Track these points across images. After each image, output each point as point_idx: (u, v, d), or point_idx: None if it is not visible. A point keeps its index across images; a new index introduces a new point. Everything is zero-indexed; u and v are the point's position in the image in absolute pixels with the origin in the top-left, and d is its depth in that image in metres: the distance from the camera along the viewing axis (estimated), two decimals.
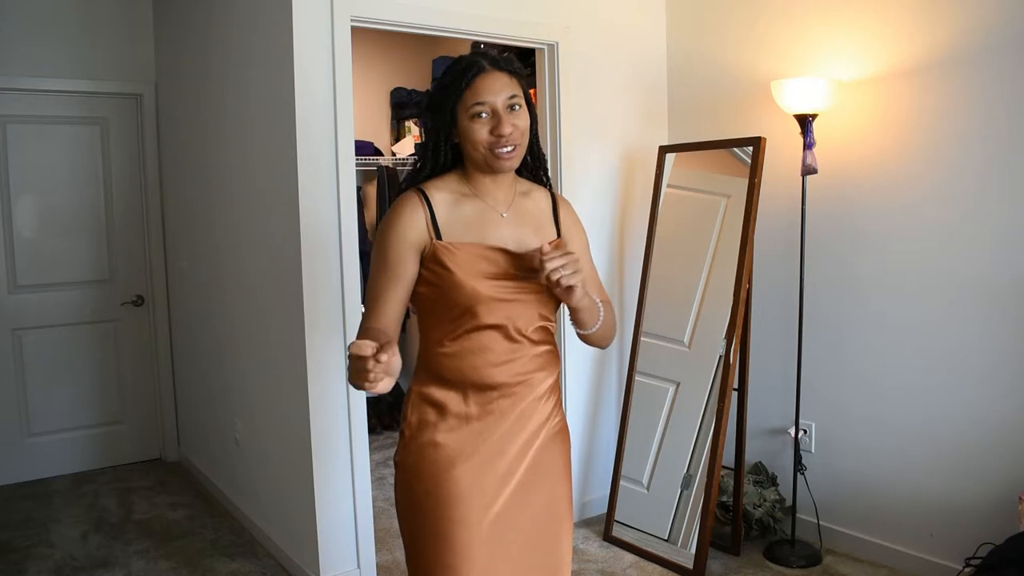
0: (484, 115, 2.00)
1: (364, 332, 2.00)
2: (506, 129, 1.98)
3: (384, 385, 1.72)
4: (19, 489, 5.37)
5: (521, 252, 2.07)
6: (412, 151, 6.36)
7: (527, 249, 2.08)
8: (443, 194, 2.09)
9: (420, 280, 2.07)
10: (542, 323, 2.10)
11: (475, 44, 4.67)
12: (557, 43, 4.27)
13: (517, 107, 2.03)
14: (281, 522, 4.18)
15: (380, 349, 1.67)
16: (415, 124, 6.56)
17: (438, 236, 2.03)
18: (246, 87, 4.13)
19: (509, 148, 2.01)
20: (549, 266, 1.88)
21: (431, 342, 2.11)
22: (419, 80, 6.81)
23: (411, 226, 2.04)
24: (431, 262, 2.03)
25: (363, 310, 2.11)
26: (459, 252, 2.02)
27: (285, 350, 3.88)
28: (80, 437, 5.71)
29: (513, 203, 2.15)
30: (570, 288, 1.93)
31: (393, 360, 1.69)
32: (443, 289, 2.03)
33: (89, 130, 5.62)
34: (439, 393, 2.09)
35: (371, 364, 1.65)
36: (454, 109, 2.03)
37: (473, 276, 2.01)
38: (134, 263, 5.81)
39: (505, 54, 2.09)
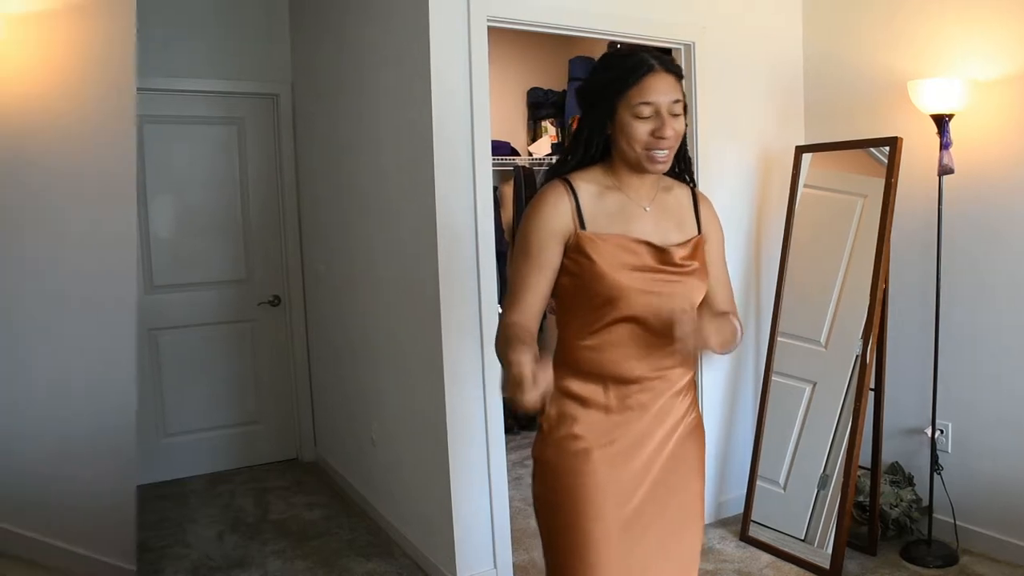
0: (648, 115, 2.02)
1: (507, 327, 2.05)
2: (668, 132, 2.02)
3: (536, 401, 1.79)
4: (155, 489, 5.42)
5: (664, 246, 2.11)
6: (549, 151, 6.41)
7: (669, 243, 2.13)
8: (588, 185, 2.12)
9: (562, 271, 2.10)
10: None
11: (611, 44, 4.70)
12: (694, 43, 4.32)
13: (679, 111, 2.06)
14: (417, 522, 4.27)
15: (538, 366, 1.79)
16: (551, 124, 6.60)
17: (582, 226, 2.07)
18: (381, 88, 4.23)
19: (664, 152, 2.05)
20: (678, 332, 1.94)
21: (570, 335, 2.15)
22: (555, 80, 6.85)
23: (556, 215, 2.08)
24: (574, 252, 2.07)
25: (505, 303, 2.15)
26: (603, 243, 2.06)
27: (421, 353, 3.94)
28: (216, 437, 5.78)
29: (656, 198, 2.18)
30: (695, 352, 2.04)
31: (546, 377, 1.80)
32: (584, 280, 2.07)
33: (226, 130, 5.71)
34: (579, 387, 2.12)
35: (528, 383, 1.76)
36: (615, 103, 2.05)
37: (616, 267, 2.05)
38: (271, 264, 5.88)
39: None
